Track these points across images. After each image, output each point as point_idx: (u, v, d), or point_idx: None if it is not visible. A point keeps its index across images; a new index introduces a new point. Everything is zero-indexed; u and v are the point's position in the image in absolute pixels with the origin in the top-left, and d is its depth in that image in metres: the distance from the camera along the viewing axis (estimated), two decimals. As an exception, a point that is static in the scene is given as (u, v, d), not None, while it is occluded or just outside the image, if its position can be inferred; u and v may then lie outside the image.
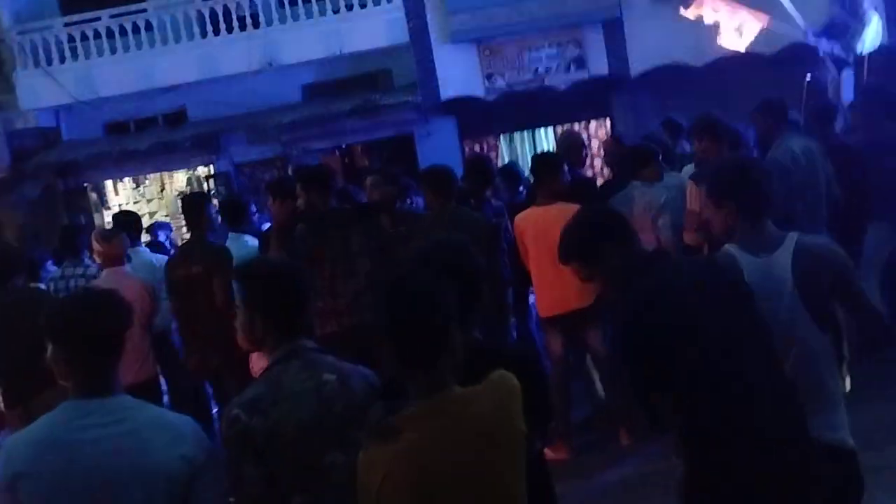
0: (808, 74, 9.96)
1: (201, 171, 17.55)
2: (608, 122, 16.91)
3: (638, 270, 2.94)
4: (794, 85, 11.00)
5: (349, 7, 15.50)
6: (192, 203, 7.13)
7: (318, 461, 2.62)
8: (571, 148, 7.40)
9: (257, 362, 4.68)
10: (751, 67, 14.77)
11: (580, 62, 15.61)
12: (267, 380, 2.75)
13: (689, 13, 10.04)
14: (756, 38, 14.78)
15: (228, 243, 6.76)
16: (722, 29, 10.03)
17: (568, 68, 15.66)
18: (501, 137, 18.18)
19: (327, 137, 16.16)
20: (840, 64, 10.03)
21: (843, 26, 10.18)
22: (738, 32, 9.98)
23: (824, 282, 3.01)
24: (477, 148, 17.66)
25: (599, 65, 15.59)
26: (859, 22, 10.17)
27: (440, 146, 15.47)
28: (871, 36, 10.15)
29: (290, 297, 2.77)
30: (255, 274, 2.87)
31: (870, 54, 9.67)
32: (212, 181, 17.26)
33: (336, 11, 15.55)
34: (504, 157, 18.34)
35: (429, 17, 15.53)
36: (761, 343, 2.85)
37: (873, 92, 7.36)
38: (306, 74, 16.17)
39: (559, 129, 18.22)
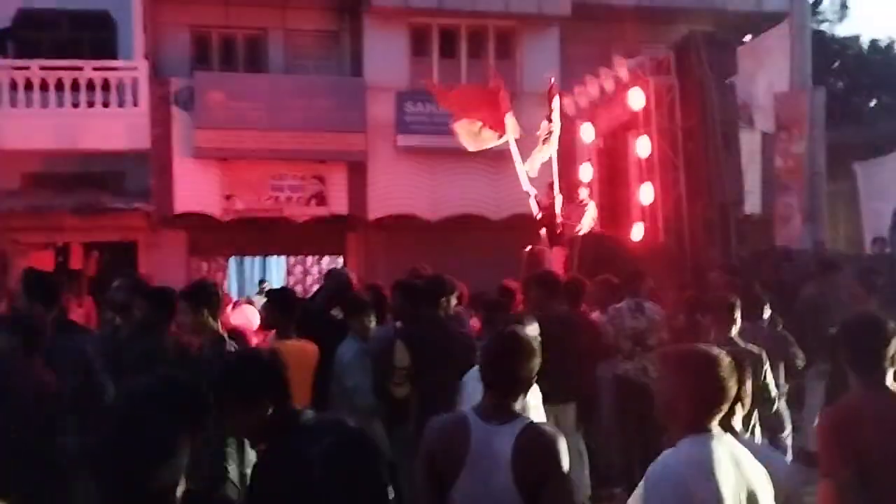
0: (529, 246, 10.70)
1: None
2: (341, 259, 17.21)
3: (278, 431, 2.87)
4: (514, 251, 11.82)
5: (90, 104, 14.81)
6: None
7: None
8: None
9: None
10: (478, 229, 15.83)
11: (321, 198, 15.88)
12: None
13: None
14: (486, 203, 15.98)
15: None
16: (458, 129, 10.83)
17: (309, 202, 15.85)
18: (232, 259, 17.89)
19: (43, 232, 15.06)
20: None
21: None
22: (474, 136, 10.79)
23: (539, 468, 3.10)
24: (205, 266, 17.22)
25: (340, 203, 15.94)
26: (576, 207, 11.20)
27: (166, 259, 14.92)
28: (587, 220, 11.19)
29: None
30: None
31: (583, 237, 10.64)
32: None
33: (76, 106, 14.80)
34: (232, 280, 18.03)
35: (174, 128, 15.24)
36: None
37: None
38: (29, 163, 15.11)
39: (291, 259, 18.33)
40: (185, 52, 16.43)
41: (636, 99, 11.68)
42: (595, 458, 7.14)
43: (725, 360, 2.72)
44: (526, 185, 11.08)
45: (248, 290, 17.36)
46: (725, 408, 2.70)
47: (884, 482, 3.18)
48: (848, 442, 3.22)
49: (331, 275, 7.68)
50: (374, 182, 15.99)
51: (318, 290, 8.01)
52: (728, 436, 2.73)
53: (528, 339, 3.29)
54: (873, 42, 28.02)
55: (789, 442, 6.30)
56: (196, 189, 15.31)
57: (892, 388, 3.35)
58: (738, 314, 5.89)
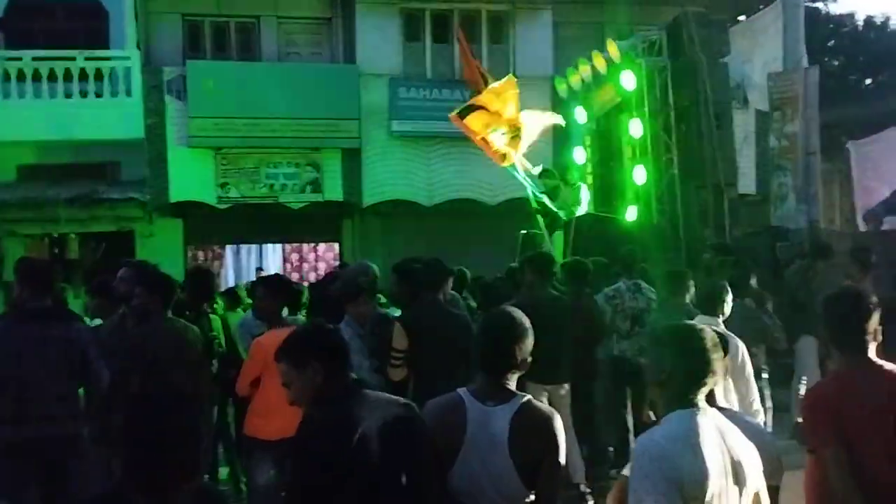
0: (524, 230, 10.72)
1: None
2: (337, 246, 17.24)
3: (331, 399, 3.01)
4: (510, 235, 11.85)
5: (83, 94, 14.79)
6: None
7: None
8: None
9: None
10: (474, 214, 15.85)
11: (316, 185, 15.88)
12: None
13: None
14: (482, 188, 15.99)
15: None
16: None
17: (304, 189, 15.85)
18: (228, 248, 17.91)
19: (38, 223, 15.06)
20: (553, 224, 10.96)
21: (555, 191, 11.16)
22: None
23: (535, 447, 3.12)
24: (202, 255, 17.25)
25: (335, 190, 15.94)
26: (568, 187, 11.23)
27: (163, 248, 14.91)
28: (580, 202, 11.21)
29: None
30: None
31: (577, 219, 10.67)
32: None
33: (69, 96, 14.77)
34: (229, 268, 18.05)
35: (168, 117, 15.21)
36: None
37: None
38: (24, 154, 15.10)
39: (288, 247, 18.34)
40: (177, 40, 16.37)
41: (629, 80, 11.69)
42: (592, 439, 7.20)
43: (709, 334, 2.74)
44: (522, 176, 11.11)
45: (245, 278, 17.38)
46: (710, 381, 2.72)
47: (871, 456, 3.20)
48: (833, 417, 3.24)
49: (349, 265, 7.78)
50: (368, 168, 15.98)
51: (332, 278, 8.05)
52: (714, 409, 2.76)
53: (521, 319, 3.28)
54: (868, 19, 27.97)
55: (767, 419, 6.36)
56: (191, 178, 15.31)
57: (874, 361, 3.37)
58: (689, 283, 6.56)
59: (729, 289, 5.60)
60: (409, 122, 15.75)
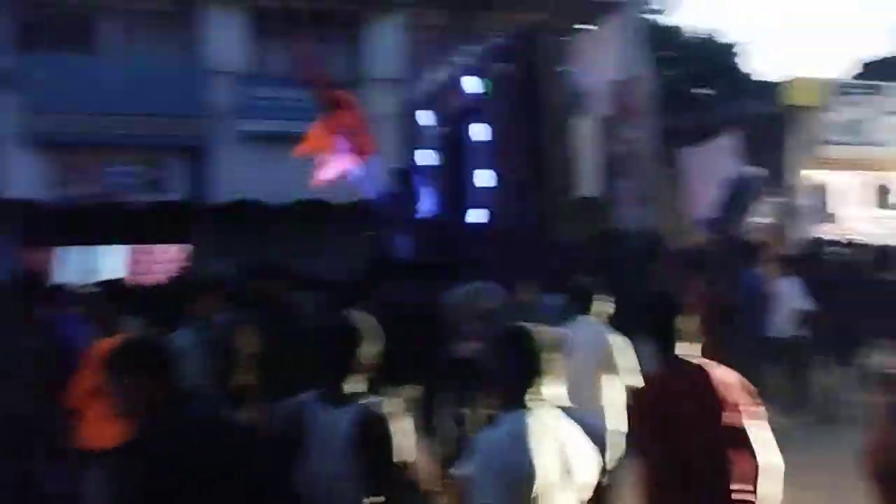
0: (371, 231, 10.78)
1: None
2: (184, 248, 16.72)
3: (164, 405, 2.94)
4: (360, 237, 11.88)
5: None
6: None
7: None
8: None
9: None
10: (324, 215, 15.71)
11: (160, 185, 15.39)
12: None
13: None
14: (332, 189, 15.92)
15: None
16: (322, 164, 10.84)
17: (146, 188, 15.33)
18: (65, 250, 17.06)
19: None
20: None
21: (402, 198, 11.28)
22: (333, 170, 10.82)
23: (377, 448, 3.16)
24: (34, 258, 16.37)
25: (180, 190, 15.48)
26: (418, 189, 11.37)
27: (-9, 250, 14.08)
28: (429, 204, 11.37)
29: None
30: None
31: (426, 221, 10.79)
32: None
33: None
34: (64, 271, 17.20)
35: (1, 112, 14.36)
36: None
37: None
38: None
39: (132, 249, 17.65)
40: (12, 31, 15.48)
41: (476, 86, 11.91)
42: (438, 439, 7.29)
43: (544, 335, 2.85)
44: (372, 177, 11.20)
45: (82, 281, 16.60)
46: (544, 380, 2.82)
47: (684, 450, 3.34)
48: (649, 416, 3.40)
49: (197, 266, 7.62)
50: (215, 168, 15.61)
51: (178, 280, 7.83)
52: (547, 407, 2.86)
53: (364, 323, 3.32)
54: (700, 32, 29.71)
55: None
56: (24, 176, 14.53)
57: (683, 359, 3.53)
58: (534, 284, 7.04)
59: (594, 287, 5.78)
60: (258, 122, 15.50)
